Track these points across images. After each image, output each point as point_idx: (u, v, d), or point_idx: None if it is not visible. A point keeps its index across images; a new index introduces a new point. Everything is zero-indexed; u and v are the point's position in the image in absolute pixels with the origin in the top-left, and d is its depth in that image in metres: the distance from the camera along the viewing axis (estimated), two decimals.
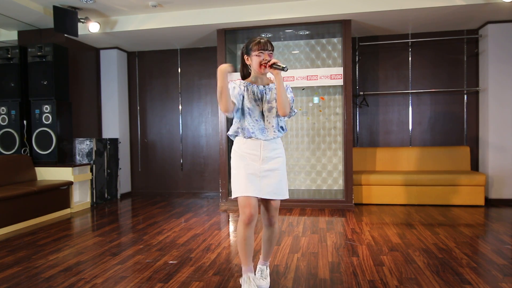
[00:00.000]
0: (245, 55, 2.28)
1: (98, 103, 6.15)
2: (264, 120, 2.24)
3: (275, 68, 2.10)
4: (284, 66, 2.09)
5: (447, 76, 5.46)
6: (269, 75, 2.31)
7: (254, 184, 2.17)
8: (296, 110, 2.31)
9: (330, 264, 2.80)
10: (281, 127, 2.29)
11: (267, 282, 2.39)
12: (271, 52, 2.21)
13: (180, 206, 5.28)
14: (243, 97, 2.22)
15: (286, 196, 2.29)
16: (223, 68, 2.05)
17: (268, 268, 2.48)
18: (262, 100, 2.24)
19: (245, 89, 2.23)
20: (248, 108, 2.21)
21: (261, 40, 2.21)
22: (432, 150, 5.37)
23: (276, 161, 2.24)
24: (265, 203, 2.30)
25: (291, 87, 2.42)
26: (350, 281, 2.48)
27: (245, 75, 2.35)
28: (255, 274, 2.38)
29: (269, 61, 2.13)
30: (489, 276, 2.52)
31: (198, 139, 6.21)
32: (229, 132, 2.31)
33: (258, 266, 2.46)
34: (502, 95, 5.02)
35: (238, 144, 2.26)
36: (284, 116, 2.21)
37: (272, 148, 2.24)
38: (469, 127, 5.42)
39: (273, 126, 2.24)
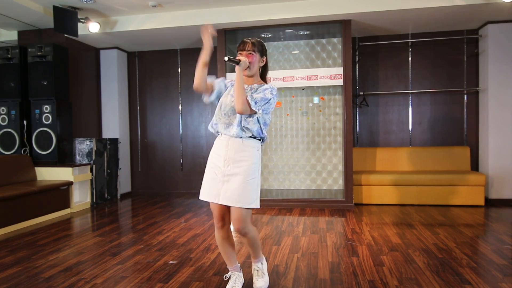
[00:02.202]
0: None
1: (98, 103, 6.15)
2: (231, 116, 2.16)
3: (231, 62, 2.07)
4: (230, 57, 2.06)
5: (447, 76, 5.46)
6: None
7: (214, 189, 2.14)
8: (260, 112, 2.10)
9: (330, 264, 2.80)
10: (245, 127, 2.13)
11: (265, 280, 2.32)
12: (250, 52, 2.18)
13: (180, 206, 5.28)
14: (224, 91, 2.27)
15: (248, 204, 2.09)
16: (204, 29, 2.09)
17: (263, 263, 2.37)
18: None
19: (230, 86, 2.27)
20: (222, 102, 2.22)
21: (244, 40, 2.23)
22: (432, 150, 5.37)
23: (239, 165, 2.11)
24: (229, 211, 2.16)
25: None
26: (350, 281, 2.48)
27: None
28: (252, 272, 2.38)
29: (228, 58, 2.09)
30: (489, 276, 2.52)
31: (198, 139, 6.21)
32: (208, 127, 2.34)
33: (253, 266, 2.37)
34: (502, 95, 5.02)
35: (214, 145, 2.26)
36: (240, 113, 2.08)
37: (237, 150, 2.13)
38: (469, 127, 5.42)
39: (237, 123, 2.13)
